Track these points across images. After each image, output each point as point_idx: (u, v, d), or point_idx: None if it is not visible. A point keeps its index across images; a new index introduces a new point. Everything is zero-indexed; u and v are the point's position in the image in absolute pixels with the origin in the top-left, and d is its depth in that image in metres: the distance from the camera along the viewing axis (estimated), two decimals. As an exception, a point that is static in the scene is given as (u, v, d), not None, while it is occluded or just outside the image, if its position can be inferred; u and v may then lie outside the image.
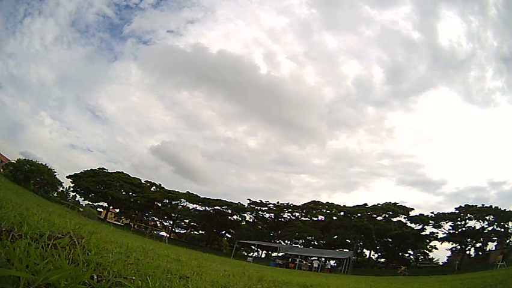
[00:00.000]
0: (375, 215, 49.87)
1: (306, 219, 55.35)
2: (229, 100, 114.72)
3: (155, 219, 65.07)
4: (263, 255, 52.07)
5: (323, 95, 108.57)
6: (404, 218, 48.35)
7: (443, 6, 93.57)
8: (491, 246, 40.56)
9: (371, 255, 52.53)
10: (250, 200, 57.33)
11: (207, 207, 58.89)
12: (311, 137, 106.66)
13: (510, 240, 38.48)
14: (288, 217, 57.23)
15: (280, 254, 40.72)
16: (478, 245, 41.32)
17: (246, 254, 54.44)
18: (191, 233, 68.50)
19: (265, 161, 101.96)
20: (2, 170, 43.10)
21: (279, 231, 55.93)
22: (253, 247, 50.84)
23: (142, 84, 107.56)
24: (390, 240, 48.12)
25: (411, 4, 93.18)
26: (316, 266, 35.06)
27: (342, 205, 53.50)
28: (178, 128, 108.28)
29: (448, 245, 43.89)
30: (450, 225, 43.48)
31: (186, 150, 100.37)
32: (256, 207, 57.55)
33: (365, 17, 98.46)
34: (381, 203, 50.42)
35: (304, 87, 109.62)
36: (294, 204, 56.53)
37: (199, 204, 59.28)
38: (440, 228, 44.41)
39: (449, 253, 44.90)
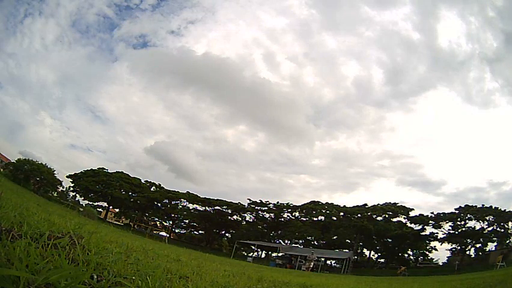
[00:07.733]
0: (375, 215, 49.84)
1: (306, 219, 55.31)
2: (227, 101, 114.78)
3: (155, 219, 65.07)
4: (263, 255, 52.06)
5: (322, 95, 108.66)
6: (404, 218, 48.38)
7: (443, 7, 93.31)
8: (491, 246, 40.63)
9: (371, 256, 52.56)
10: (250, 200, 57.43)
11: (207, 207, 58.87)
12: (311, 138, 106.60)
13: (510, 241, 38.47)
14: (288, 217, 57.20)
15: (280, 254, 40.71)
16: (478, 245, 41.34)
17: (245, 254, 54.37)
18: (191, 233, 68.39)
19: (265, 161, 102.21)
20: (2, 170, 43.12)
21: (279, 231, 55.93)
22: (253, 247, 50.83)
23: (138, 85, 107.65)
24: (390, 240, 48.12)
25: (411, 5, 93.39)
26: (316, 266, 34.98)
27: (342, 205, 53.51)
28: (177, 128, 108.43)
29: (448, 245, 43.95)
30: (450, 226, 43.49)
31: (185, 151, 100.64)
32: (256, 207, 57.54)
33: (364, 18, 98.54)
34: (381, 203, 50.44)
35: (304, 87, 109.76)
36: (294, 204, 56.62)
37: (199, 204, 59.27)
38: (440, 228, 44.42)
39: (448, 253, 44.88)
